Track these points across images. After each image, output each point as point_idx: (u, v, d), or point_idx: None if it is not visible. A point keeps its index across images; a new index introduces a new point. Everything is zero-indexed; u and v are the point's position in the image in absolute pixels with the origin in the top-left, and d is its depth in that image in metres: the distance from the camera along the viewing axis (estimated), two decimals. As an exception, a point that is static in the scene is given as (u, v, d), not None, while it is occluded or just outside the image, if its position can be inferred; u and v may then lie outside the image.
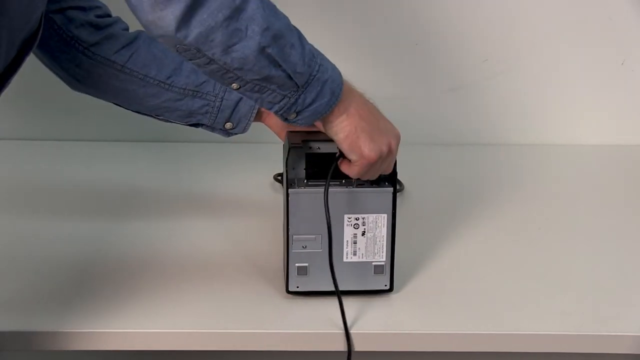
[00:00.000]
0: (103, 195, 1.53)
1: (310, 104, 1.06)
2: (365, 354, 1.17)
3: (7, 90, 1.07)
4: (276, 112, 1.07)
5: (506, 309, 1.22)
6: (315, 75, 1.04)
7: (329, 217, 1.14)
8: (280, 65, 1.01)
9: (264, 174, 1.59)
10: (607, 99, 1.76)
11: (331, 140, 1.19)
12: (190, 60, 0.99)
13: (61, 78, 1.27)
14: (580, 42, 1.72)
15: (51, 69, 1.27)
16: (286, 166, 1.18)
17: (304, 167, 1.20)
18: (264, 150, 1.56)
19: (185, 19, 0.94)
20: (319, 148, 1.19)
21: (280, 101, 1.05)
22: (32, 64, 1.23)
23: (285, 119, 1.09)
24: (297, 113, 1.07)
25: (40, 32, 1.09)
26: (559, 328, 1.19)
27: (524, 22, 1.70)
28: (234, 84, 1.03)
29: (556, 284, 1.28)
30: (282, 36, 1.00)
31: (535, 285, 1.28)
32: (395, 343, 1.19)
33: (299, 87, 1.04)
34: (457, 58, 1.73)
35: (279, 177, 1.56)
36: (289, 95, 1.05)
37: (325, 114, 1.08)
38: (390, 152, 1.13)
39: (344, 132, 1.10)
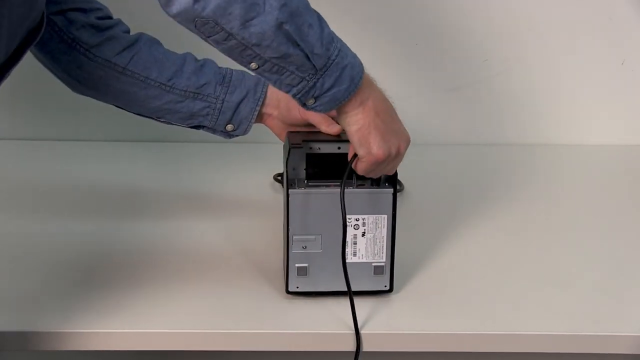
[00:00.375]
0: (103, 195, 1.53)
1: (328, 89, 1.06)
2: (365, 354, 1.17)
3: (7, 91, 1.07)
4: (294, 96, 1.07)
5: (506, 309, 1.22)
6: (334, 60, 1.04)
7: (345, 214, 1.14)
8: (298, 45, 1.01)
9: (264, 174, 1.59)
10: (607, 99, 1.76)
11: (332, 141, 1.19)
12: (209, 37, 0.99)
13: (62, 80, 1.27)
14: (580, 42, 1.72)
15: (52, 71, 1.27)
16: (286, 166, 1.18)
17: (304, 167, 1.20)
18: (264, 150, 1.56)
19: None
20: (319, 148, 1.19)
21: (299, 84, 1.05)
22: (32, 64, 1.23)
23: (304, 104, 1.08)
24: (316, 98, 1.07)
25: (44, 27, 1.09)
26: (559, 328, 1.19)
27: (524, 22, 1.70)
28: (252, 63, 1.02)
29: (556, 284, 1.28)
30: (300, 14, 1.00)
31: (535, 285, 1.28)
32: (395, 343, 1.19)
33: (317, 70, 1.04)
34: (457, 58, 1.73)
35: (279, 177, 1.56)
36: (307, 78, 1.04)
37: (344, 100, 1.08)
38: (398, 155, 1.14)
39: (357, 124, 1.10)
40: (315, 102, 1.07)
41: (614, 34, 1.71)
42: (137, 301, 1.21)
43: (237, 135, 1.31)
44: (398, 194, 1.19)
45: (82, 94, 1.29)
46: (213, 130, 1.30)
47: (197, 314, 1.19)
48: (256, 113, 1.29)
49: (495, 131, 1.77)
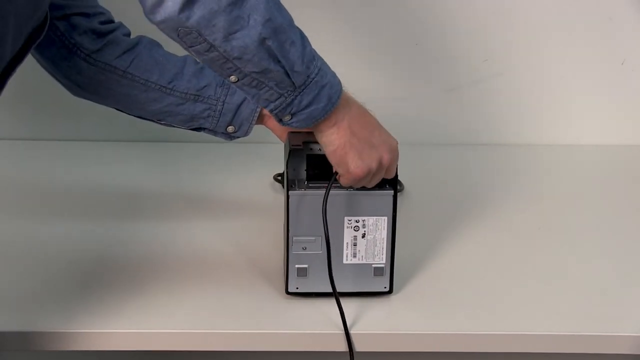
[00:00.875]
0: (103, 195, 1.53)
1: (305, 107, 1.06)
2: (366, 354, 1.17)
3: (7, 91, 1.08)
4: (271, 111, 1.08)
5: (506, 309, 1.23)
6: (313, 78, 1.05)
7: (327, 224, 1.14)
8: (279, 61, 1.01)
9: (264, 174, 1.59)
10: (607, 99, 1.76)
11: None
12: (191, 47, 0.99)
13: (62, 84, 1.27)
14: (580, 42, 1.71)
15: (53, 76, 1.27)
16: (287, 167, 1.18)
17: (305, 168, 1.20)
18: (264, 150, 1.56)
19: None
20: (320, 150, 1.19)
21: (277, 100, 1.06)
22: (33, 65, 1.23)
23: (280, 120, 1.09)
24: (292, 115, 1.07)
25: (47, 25, 1.09)
26: (559, 328, 1.19)
27: (523, 22, 1.70)
28: (232, 76, 1.03)
29: (556, 284, 1.28)
30: (283, 31, 1.00)
31: (535, 285, 1.28)
32: (395, 343, 1.19)
33: (296, 87, 1.04)
34: (457, 58, 1.73)
35: (279, 177, 1.56)
36: (285, 94, 1.05)
37: (321, 119, 1.08)
38: (382, 167, 1.13)
39: (333, 145, 1.11)
40: (291, 118, 1.08)
41: (614, 34, 1.71)
42: (137, 301, 1.21)
43: (238, 137, 1.31)
44: (398, 194, 1.19)
45: (83, 97, 1.28)
46: (214, 132, 1.30)
47: (197, 314, 1.20)
48: (257, 114, 1.29)
49: (495, 131, 1.77)
